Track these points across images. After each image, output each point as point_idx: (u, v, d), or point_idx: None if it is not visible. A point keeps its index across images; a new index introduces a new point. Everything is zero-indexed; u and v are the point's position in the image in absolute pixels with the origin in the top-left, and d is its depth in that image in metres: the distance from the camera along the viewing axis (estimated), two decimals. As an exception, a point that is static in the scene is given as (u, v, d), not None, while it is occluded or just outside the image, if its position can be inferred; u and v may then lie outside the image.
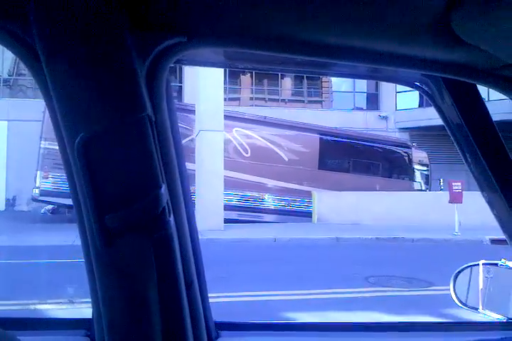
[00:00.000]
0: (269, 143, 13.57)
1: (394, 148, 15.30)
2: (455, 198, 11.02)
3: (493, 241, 10.17)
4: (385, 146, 15.11)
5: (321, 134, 14.27)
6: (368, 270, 6.91)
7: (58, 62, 0.65)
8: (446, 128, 1.07)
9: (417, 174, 15.45)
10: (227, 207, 12.20)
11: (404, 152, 15.40)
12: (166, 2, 0.69)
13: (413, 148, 15.46)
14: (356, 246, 9.58)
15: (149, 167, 0.68)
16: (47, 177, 11.80)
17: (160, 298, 0.72)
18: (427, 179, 15.37)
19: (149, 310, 0.71)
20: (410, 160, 15.38)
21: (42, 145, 11.81)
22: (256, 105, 18.30)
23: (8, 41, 0.68)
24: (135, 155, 0.67)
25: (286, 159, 13.68)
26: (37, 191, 12.25)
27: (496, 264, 1.23)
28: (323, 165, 14.06)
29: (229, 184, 12.43)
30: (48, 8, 0.63)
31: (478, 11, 0.65)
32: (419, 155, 15.42)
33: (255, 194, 13.50)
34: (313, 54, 0.83)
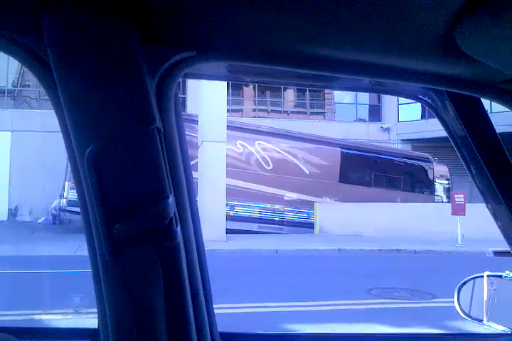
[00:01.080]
0: (290, 157, 13.75)
1: (415, 162, 15.40)
2: (458, 210, 10.99)
3: (496, 254, 10.10)
4: (406, 160, 15.21)
5: (342, 148, 14.41)
6: (371, 281, 6.87)
7: (70, 75, 0.66)
8: (451, 140, 1.08)
9: (439, 188, 15.48)
10: (249, 219, 12.28)
11: (426, 166, 15.49)
12: (175, 17, 0.71)
13: (434, 162, 15.53)
14: (359, 258, 9.53)
15: (157, 178, 0.69)
16: (74, 188, 11.90)
17: (166, 309, 0.72)
18: (448, 193, 15.30)
19: (155, 320, 0.72)
20: (432, 174, 15.46)
21: None
22: (259, 116, 18.38)
23: (20, 54, 0.70)
24: (144, 167, 0.68)
25: (308, 172, 13.82)
26: (64, 201, 12.44)
27: (501, 276, 1.23)
28: (344, 178, 14.20)
29: (251, 196, 12.57)
30: (60, 23, 0.65)
31: (483, 27, 0.66)
32: (440, 169, 15.52)
33: (277, 206, 13.65)
34: (319, 68, 0.85)
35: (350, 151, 14.48)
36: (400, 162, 15.11)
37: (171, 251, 0.71)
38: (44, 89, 0.71)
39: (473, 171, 1.05)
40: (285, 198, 13.60)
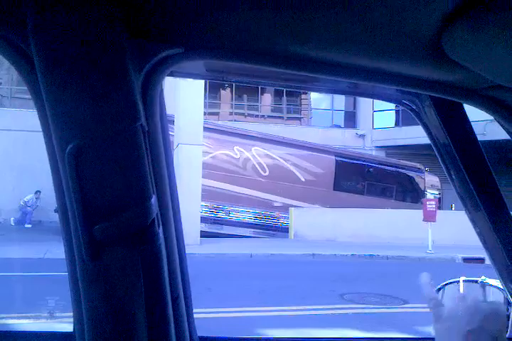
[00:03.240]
0: (287, 163, 13.87)
1: (408, 172, 15.64)
2: (429, 217, 11.20)
3: (465, 260, 10.33)
4: (398, 170, 15.45)
5: (336, 156, 14.60)
6: (344, 287, 6.92)
7: (54, 70, 0.64)
8: (432, 144, 1.09)
9: (430, 197, 15.77)
10: (244, 224, 12.33)
11: (418, 176, 15.76)
12: (164, 14, 0.70)
13: (426, 173, 15.81)
14: (332, 263, 9.59)
15: (140, 177, 0.67)
16: None
17: (146, 312, 0.70)
18: (439, 202, 15.63)
19: (135, 323, 0.69)
20: (423, 183, 15.74)
21: None
22: (235, 120, 18.37)
23: (3, 48, 0.67)
24: (127, 166, 0.66)
25: (303, 179, 13.91)
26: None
27: (476, 281, 1.24)
28: (338, 186, 14.33)
29: (245, 201, 12.76)
30: (46, 17, 0.63)
31: (470, 33, 0.67)
32: (431, 179, 15.80)
33: (271, 212, 13.78)
34: (306, 69, 0.84)
35: (344, 159, 14.72)
36: (393, 171, 15.41)
37: (153, 253, 0.69)
38: (26, 84, 0.68)
39: (453, 176, 1.06)
40: (276, 204, 13.73)
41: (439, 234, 11.05)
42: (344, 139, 18.31)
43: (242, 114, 19.57)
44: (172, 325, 0.75)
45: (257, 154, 13.62)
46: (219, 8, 0.68)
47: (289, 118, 20.20)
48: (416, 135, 17.50)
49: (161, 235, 0.71)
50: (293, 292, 6.56)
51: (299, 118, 20.53)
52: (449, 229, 11.54)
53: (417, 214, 11.44)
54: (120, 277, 0.68)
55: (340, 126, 19.85)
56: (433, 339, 1.27)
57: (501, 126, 0.99)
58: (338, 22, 0.71)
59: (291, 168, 13.92)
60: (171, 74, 0.82)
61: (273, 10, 0.68)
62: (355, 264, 9.59)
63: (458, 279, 1.28)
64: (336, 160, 14.50)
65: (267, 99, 20.14)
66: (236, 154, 13.36)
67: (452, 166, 1.05)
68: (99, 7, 0.64)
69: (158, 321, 0.72)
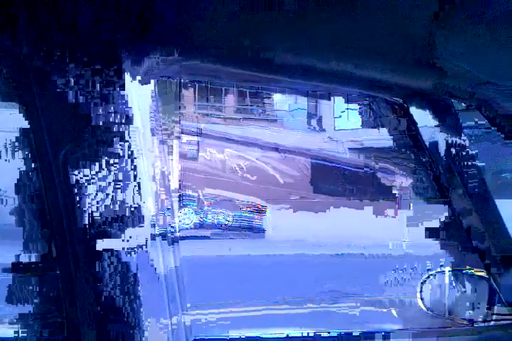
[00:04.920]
0: (262, 164, 13.94)
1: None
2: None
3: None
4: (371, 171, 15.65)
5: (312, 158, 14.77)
6: (322, 285, 6.97)
7: (48, 74, 0.64)
8: (421, 141, 1.13)
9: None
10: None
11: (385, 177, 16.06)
12: (157, 18, 0.70)
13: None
14: (303, 262, 9.65)
15: (136, 180, 0.67)
16: None
17: (146, 317, 0.70)
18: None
19: (135, 325, 0.70)
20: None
21: None
22: (198, 121, 18.21)
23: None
24: (123, 168, 0.66)
25: (282, 181, 14.03)
26: None
27: (462, 271, 1.29)
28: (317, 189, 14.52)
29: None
30: (39, 18, 0.62)
31: (463, 31, 0.71)
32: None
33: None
34: (299, 76, 0.86)
35: (320, 162, 15.01)
36: (371, 173, 15.63)
37: (150, 255, 0.69)
38: (19, 90, 0.67)
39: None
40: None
41: (413, 230, 11.27)
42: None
43: (206, 115, 19.45)
44: (170, 326, 0.75)
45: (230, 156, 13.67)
46: (212, 12, 0.69)
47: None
48: (378, 137, 17.93)
49: (159, 239, 0.70)
50: (272, 291, 6.55)
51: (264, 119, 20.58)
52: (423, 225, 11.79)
53: (389, 212, 11.65)
54: (117, 282, 0.68)
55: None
56: (423, 329, 1.31)
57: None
58: (332, 28, 0.74)
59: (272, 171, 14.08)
60: (165, 77, 0.83)
61: (268, 16, 0.70)
62: (333, 263, 9.66)
63: (443, 269, 1.32)
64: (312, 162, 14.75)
65: (230, 99, 20.12)
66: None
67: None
68: (92, 10, 0.64)
69: (156, 323, 0.72)
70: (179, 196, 12.48)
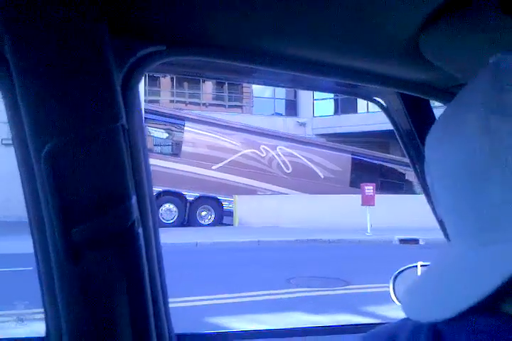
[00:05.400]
0: (307, 161, 14.81)
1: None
2: (367, 201, 11.69)
3: (402, 241, 10.93)
4: (406, 168, 16.10)
5: (352, 154, 15.56)
6: (289, 272, 7.10)
7: (29, 68, 0.61)
8: (399, 139, 1.15)
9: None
10: None
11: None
12: (146, 10, 0.68)
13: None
14: (277, 249, 9.79)
15: (121, 178, 0.66)
16: None
17: (129, 313, 0.70)
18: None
19: (118, 324, 0.69)
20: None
21: None
22: (176, 108, 18.07)
23: None
24: (106, 166, 0.65)
25: (322, 176, 14.78)
26: None
27: (432, 265, 1.33)
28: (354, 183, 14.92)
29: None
30: (21, 12, 0.60)
31: (445, 35, 0.71)
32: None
33: None
34: (285, 67, 0.86)
35: (359, 158, 15.77)
36: (401, 168, 16.13)
37: (133, 254, 0.69)
38: None
39: (419, 170, 1.12)
40: None
41: (378, 217, 11.57)
42: (286, 127, 18.57)
43: (184, 102, 19.25)
44: (153, 324, 0.75)
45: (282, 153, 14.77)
46: (201, 4, 0.67)
47: (230, 107, 20.13)
48: (353, 123, 18.14)
49: (142, 235, 0.70)
50: (240, 279, 6.64)
51: (241, 107, 20.52)
52: (387, 212, 12.12)
53: (358, 199, 11.90)
54: (101, 279, 0.67)
55: (281, 114, 20.09)
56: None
57: None
58: (319, 22, 0.73)
59: (311, 165, 14.93)
60: (152, 71, 0.81)
61: (257, 8, 0.68)
62: (300, 249, 9.86)
63: (415, 264, 1.35)
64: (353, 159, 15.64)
65: (208, 87, 19.93)
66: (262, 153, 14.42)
67: (417, 159, 1.11)
68: (78, 4, 0.62)
69: (140, 321, 0.72)
70: (162, 192, 12.82)
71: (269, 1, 0.66)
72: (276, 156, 14.47)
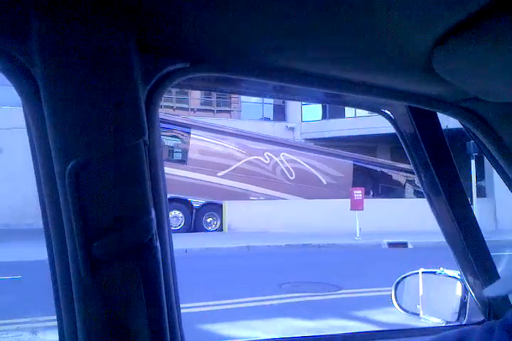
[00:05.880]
0: (310, 168, 15.13)
1: (410, 175, 16.72)
2: (356, 205, 11.75)
3: (390, 245, 11.00)
4: (403, 173, 16.53)
5: (354, 161, 15.90)
6: (280, 277, 7.08)
7: (57, 84, 0.61)
8: (405, 149, 1.17)
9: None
10: None
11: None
12: (171, 28, 0.70)
13: None
14: (267, 254, 9.77)
15: (141, 193, 0.67)
16: None
17: (148, 326, 0.70)
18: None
19: (137, 337, 0.69)
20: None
21: None
22: (164, 113, 18.01)
23: (2, 63, 0.64)
24: (128, 181, 0.66)
25: (325, 182, 15.10)
26: None
27: (435, 272, 1.33)
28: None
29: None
30: (51, 28, 0.60)
31: (460, 51, 0.73)
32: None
33: None
34: (301, 83, 0.89)
35: (360, 164, 16.13)
36: (400, 173, 16.44)
37: (152, 268, 0.69)
38: (23, 100, 0.65)
39: (423, 178, 1.15)
40: None
41: (366, 221, 11.64)
42: (275, 132, 18.62)
43: (171, 107, 19.21)
44: (168, 335, 0.75)
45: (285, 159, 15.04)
46: (224, 23, 0.69)
47: (218, 112, 20.14)
48: (341, 127, 18.26)
49: (159, 249, 0.71)
50: (230, 285, 6.61)
51: (229, 111, 20.54)
52: (376, 216, 12.20)
53: (347, 203, 11.95)
54: (119, 292, 0.67)
55: (269, 119, 20.14)
56: (398, 330, 1.33)
57: (468, 133, 1.09)
58: (332, 37, 0.75)
59: (314, 171, 15.26)
60: (175, 86, 0.83)
61: (273, 25, 0.70)
62: (290, 254, 9.85)
63: (417, 271, 1.35)
64: (354, 165, 16.00)
65: (196, 92, 19.91)
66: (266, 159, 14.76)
67: (423, 169, 1.14)
68: (105, 21, 0.62)
69: (157, 334, 0.72)
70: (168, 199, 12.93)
71: (286, 18, 0.68)
72: (279, 163, 14.75)
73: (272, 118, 20.28)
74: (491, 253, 1.23)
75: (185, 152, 13.81)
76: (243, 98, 20.39)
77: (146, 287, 0.68)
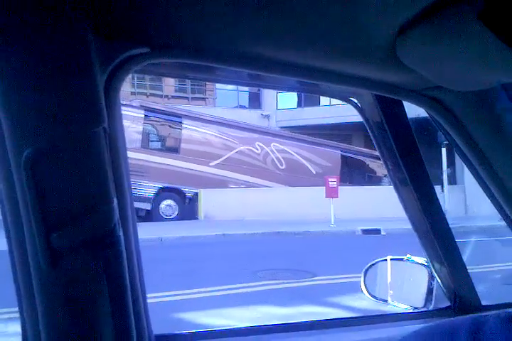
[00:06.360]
0: (301, 158, 15.38)
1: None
2: (331, 193, 11.88)
3: (364, 232, 11.20)
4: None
5: (342, 151, 16.12)
6: (256, 264, 7.13)
7: (10, 70, 0.59)
8: (372, 137, 1.18)
9: None
10: None
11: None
12: (130, 12, 0.68)
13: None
14: (243, 242, 9.82)
15: (102, 181, 0.65)
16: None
17: (111, 317, 0.69)
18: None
19: (100, 327, 0.68)
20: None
21: None
22: (137, 100, 17.72)
23: None
24: (88, 170, 0.64)
25: (314, 172, 15.32)
26: None
27: (402, 259, 1.35)
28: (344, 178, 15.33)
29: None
30: (2, 13, 0.58)
31: (422, 40, 0.74)
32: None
33: None
34: (264, 69, 0.88)
35: (348, 154, 16.36)
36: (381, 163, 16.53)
37: (115, 257, 0.68)
38: None
39: (390, 166, 1.16)
40: None
41: (341, 208, 11.79)
42: (250, 119, 18.57)
43: (145, 94, 18.91)
44: (133, 326, 0.75)
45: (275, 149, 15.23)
46: (185, 8, 0.68)
47: (193, 99, 19.93)
48: (316, 115, 18.34)
49: (122, 238, 0.69)
50: (206, 273, 6.62)
51: (204, 99, 20.35)
52: (350, 203, 12.36)
53: (322, 190, 12.07)
54: (81, 283, 0.66)
55: (245, 107, 20.06)
56: (367, 316, 1.35)
57: (434, 122, 1.10)
58: (298, 25, 0.74)
59: (304, 162, 15.52)
60: (134, 72, 0.81)
61: (238, 11, 0.69)
62: (265, 242, 9.92)
63: (385, 258, 1.37)
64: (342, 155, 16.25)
65: (170, 79, 19.63)
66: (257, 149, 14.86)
67: (389, 157, 1.15)
68: (62, 5, 0.60)
69: (121, 324, 0.72)
70: (161, 188, 13.00)
71: (249, 5, 0.67)
72: (270, 153, 14.95)
73: (247, 106, 20.21)
74: (461, 239, 1.26)
75: (176, 142, 13.84)
76: (218, 85, 20.22)
77: (109, 277, 0.67)
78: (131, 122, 12.58)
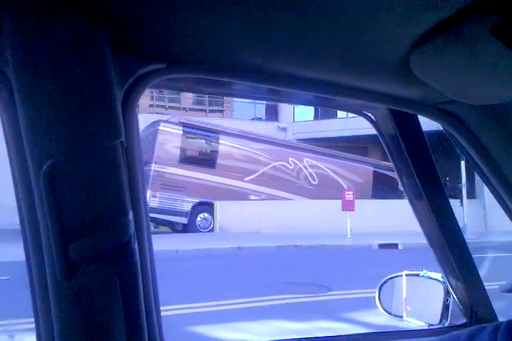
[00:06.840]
0: (332, 173, 15.66)
1: None
2: (347, 206, 11.77)
3: (381, 246, 11.04)
4: None
5: (374, 167, 16.31)
6: (271, 278, 7.07)
7: (31, 85, 0.61)
8: (386, 151, 1.17)
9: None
10: None
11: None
12: (146, 30, 0.70)
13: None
14: (258, 255, 9.76)
15: (118, 194, 0.67)
16: (155, 196, 12.54)
17: (125, 328, 0.69)
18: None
19: (114, 339, 0.68)
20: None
21: (153, 168, 12.61)
22: (156, 113, 17.94)
23: None
24: (105, 183, 0.65)
25: (346, 187, 15.39)
26: None
27: (418, 275, 1.33)
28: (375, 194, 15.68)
29: None
30: (25, 26, 0.60)
31: (437, 54, 0.74)
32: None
33: None
34: (280, 84, 0.90)
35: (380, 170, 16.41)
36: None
37: (130, 269, 0.69)
38: None
39: (405, 181, 1.15)
40: None
41: (358, 222, 11.65)
42: (267, 132, 18.61)
43: (163, 107, 19.15)
44: (147, 338, 0.75)
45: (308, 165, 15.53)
46: (200, 23, 0.69)
47: (211, 111, 20.11)
48: (333, 128, 18.30)
49: (137, 251, 0.70)
50: (222, 286, 6.59)
51: (221, 111, 20.52)
52: (366, 217, 12.22)
53: (337, 203, 11.96)
54: (96, 294, 0.67)
55: (262, 119, 20.14)
56: (382, 332, 1.33)
57: (449, 136, 1.09)
58: (313, 41, 0.76)
59: (335, 177, 15.74)
60: (152, 87, 0.83)
61: (253, 26, 0.71)
62: (281, 255, 9.84)
63: (401, 273, 1.35)
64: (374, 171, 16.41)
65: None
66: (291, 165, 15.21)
67: (404, 171, 1.14)
68: (80, 22, 0.62)
69: (135, 335, 0.72)
70: (198, 202, 13.17)
71: (264, 21, 0.69)
72: (303, 168, 15.20)
73: (264, 118, 20.29)
74: (480, 255, 1.24)
75: (213, 157, 14.13)
76: (235, 97, 20.37)
77: (124, 289, 0.68)
78: (170, 138, 13.01)
